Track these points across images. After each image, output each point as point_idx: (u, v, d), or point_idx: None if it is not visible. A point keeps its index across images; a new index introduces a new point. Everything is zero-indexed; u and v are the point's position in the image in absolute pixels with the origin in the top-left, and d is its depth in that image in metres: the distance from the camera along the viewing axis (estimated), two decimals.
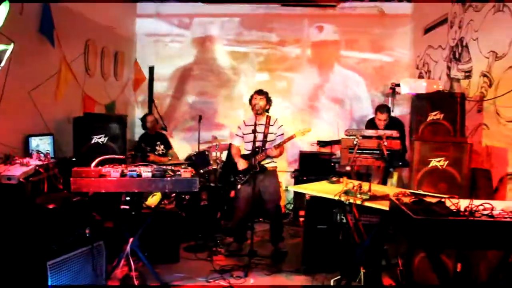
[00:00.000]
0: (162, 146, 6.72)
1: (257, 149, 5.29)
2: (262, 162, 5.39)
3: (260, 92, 5.51)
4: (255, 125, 5.24)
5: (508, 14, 4.65)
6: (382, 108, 6.14)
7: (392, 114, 6.80)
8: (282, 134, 5.51)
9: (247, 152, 5.50)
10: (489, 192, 4.67)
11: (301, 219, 6.78)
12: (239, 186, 5.43)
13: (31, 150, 4.49)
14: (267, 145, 5.41)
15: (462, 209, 2.67)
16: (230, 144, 5.83)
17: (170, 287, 4.44)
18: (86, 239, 3.80)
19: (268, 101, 5.52)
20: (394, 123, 6.11)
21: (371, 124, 6.25)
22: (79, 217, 3.89)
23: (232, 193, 6.04)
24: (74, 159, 4.96)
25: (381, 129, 5.99)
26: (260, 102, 5.43)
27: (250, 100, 5.54)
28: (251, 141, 5.24)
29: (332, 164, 6.88)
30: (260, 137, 5.41)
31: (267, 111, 5.56)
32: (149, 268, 4.34)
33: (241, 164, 5.45)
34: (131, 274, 4.18)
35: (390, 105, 6.85)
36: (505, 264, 2.89)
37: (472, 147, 4.58)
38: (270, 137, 5.43)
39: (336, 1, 7.86)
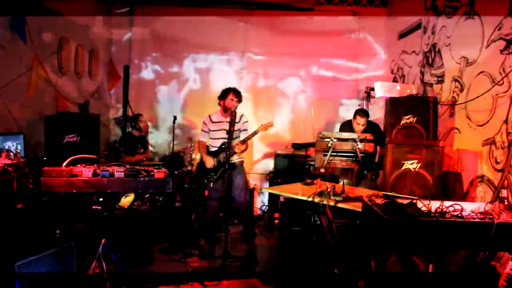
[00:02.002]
0: (142, 150, 6.66)
1: (223, 146, 5.27)
2: (231, 159, 5.32)
3: (237, 93, 5.43)
4: (226, 122, 5.21)
5: (478, 21, 4.76)
6: (362, 112, 6.06)
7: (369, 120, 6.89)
8: (246, 129, 5.49)
9: (214, 149, 5.52)
10: (460, 194, 4.77)
11: (276, 221, 6.80)
12: (211, 185, 5.39)
13: (0, 149, 4.38)
14: (232, 142, 5.29)
15: (433, 210, 2.71)
16: (198, 141, 5.78)
17: None
18: (56, 240, 3.73)
19: (239, 100, 5.47)
20: (371, 127, 6.17)
21: (347, 126, 6.27)
22: (49, 217, 3.81)
23: (206, 193, 6.01)
24: (45, 158, 4.86)
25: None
26: (236, 103, 5.39)
27: (224, 96, 5.42)
28: (218, 138, 5.36)
29: (307, 166, 6.91)
30: (223, 134, 5.36)
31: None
32: (121, 270, 4.27)
33: (209, 162, 5.46)
34: (103, 275, 4.11)
35: (365, 108, 6.93)
36: (473, 263, 2.95)
37: (444, 150, 4.67)
38: (235, 134, 5.31)
39: (313, 4, 7.91)
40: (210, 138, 5.58)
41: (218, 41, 8.10)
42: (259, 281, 4.76)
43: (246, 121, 5.53)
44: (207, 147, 5.69)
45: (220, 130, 5.39)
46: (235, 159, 5.46)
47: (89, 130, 5.36)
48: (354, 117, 6.08)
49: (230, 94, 5.39)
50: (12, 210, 3.51)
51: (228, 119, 5.35)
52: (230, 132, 5.17)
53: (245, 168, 5.71)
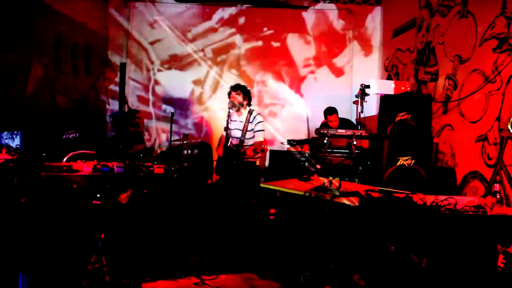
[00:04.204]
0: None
1: (233, 148, 5.34)
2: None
3: (235, 88, 5.46)
4: (240, 122, 5.44)
5: (472, 20, 4.85)
6: (329, 110, 6.40)
7: (362, 115, 6.97)
8: (261, 130, 5.52)
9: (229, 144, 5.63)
10: (453, 189, 4.86)
11: (271, 216, 6.86)
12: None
13: (0, 145, 4.42)
14: (244, 143, 5.47)
15: (428, 204, 2.79)
16: (222, 135, 5.94)
17: (142, 283, 4.43)
18: (57, 234, 3.77)
19: (246, 95, 5.47)
20: (344, 123, 6.32)
21: (324, 127, 6.38)
22: (50, 212, 3.86)
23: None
24: (44, 154, 4.90)
25: None
26: (235, 99, 5.39)
27: (229, 94, 5.50)
28: (234, 137, 5.55)
29: (303, 162, 6.97)
30: (238, 134, 5.48)
31: (248, 105, 5.54)
32: (120, 264, 4.32)
33: (219, 152, 5.69)
34: (103, 270, 4.16)
35: (359, 106, 7.01)
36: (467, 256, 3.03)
37: (438, 146, 4.77)
38: (248, 134, 5.44)
39: (308, 2, 7.98)
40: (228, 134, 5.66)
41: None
42: (256, 275, 4.82)
43: (260, 121, 5.52)
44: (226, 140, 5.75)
45: (235, 129, 5.55)
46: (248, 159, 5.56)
47: (88, 126, 5.40)
48: (325, 117, 6.27)
49: (230, 91, 5.47)
50: (15, 204, 3.55)
51: (240, 118, 5.47)
52: (243, 133, 5.37)
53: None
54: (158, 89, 8.23)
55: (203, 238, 5.71)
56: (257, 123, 5.48)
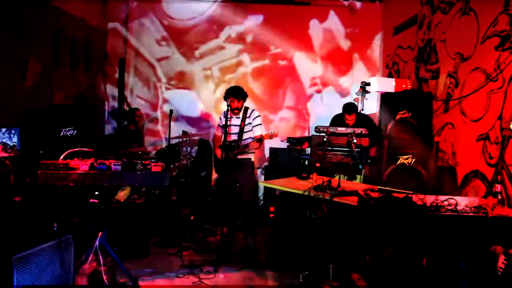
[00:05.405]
0: (137, 144, 6.66)
1: (232, 143, 5.38)
2: (239, 156, 5.56)
3: (234, 94, 5.53)
4: (237, 118, 5.60)
5: (473, 17, 4.80)
6: (349, 110, 6.14)
7: (362, 112, 6.91)
8: (259, 124, 5.61)
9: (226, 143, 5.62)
10: (454, 189, 4.82)
11: (271, 214, 6.83)
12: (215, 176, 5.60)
13: None
14: (243, 137, 5.58)
15: (428, 204, 2.75)
16: (214, 135, 6.06)
17: (139, 281, 4.40)
18: (53, 233, 3.73)
19: (241, 97, 5.58)
20: (363, 120, 6.19)
21: (338, 120, 6.28)
22: (46, 210, 3.82)
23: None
24: (41, 151, 4.85)
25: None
26: (237, 104, 5.55)
27: (225, 99, 5.56)
28: (228, 133, 5.52)
29: (302, 160, 6.93)
30: (236, 130, 5.61)
31: (243, 103, 5.69)
32: (118, 263, 4.29)
33: (218, 154, 5.68)
34: (100, 269, 4.12)
35: (360, 103, 6.96)
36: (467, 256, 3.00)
37: (438, 145, 4.72)
38: (246, 128, 5.60)
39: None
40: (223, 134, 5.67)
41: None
42: (254, 274, 4.79)
43: (258, 116, 5.65)
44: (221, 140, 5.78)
45: (232, 125, 5.64)
46: (244, 156, 5.61)
47: (86, 123, 5.36)
48: (343, 113, 6.13)
49: (229, 97, 5.53)
50: (9, 202, 3.51)
51: (237, 115, 5.63)
52: (241, 128, 5.56)
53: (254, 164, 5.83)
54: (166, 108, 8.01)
55: (202, 236, 5.69)
56: (255, 117, 5.62)
